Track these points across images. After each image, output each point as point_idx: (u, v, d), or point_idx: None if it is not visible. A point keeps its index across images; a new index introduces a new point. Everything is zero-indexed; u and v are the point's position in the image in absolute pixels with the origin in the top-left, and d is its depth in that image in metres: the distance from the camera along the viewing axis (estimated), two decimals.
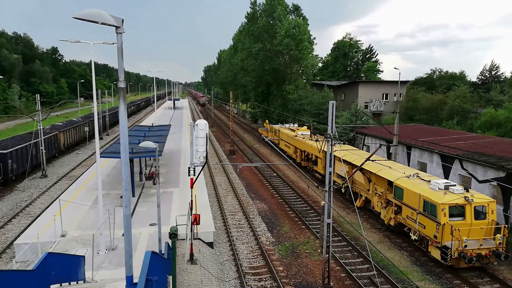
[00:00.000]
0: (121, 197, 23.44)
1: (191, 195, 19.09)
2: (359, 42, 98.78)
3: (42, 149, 37.41)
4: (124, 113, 7.97)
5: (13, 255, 19.41)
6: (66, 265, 13.02)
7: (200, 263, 17.75)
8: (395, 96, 59.02)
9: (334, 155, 17.54)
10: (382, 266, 19.38)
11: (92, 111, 76.15)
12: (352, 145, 39.68)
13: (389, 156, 33.44)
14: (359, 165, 18.84)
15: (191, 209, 18.59)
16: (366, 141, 41.29)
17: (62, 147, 47.30)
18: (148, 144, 15.85)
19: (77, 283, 13.39)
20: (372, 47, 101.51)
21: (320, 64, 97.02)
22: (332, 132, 15.66)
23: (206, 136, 17.96)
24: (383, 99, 60.86)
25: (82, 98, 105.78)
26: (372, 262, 17.43)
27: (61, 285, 12.49)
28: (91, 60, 19.78)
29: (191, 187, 18.38)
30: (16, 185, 34.30)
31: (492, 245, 18.12)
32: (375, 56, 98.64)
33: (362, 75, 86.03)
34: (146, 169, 33.49)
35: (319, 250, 20.86)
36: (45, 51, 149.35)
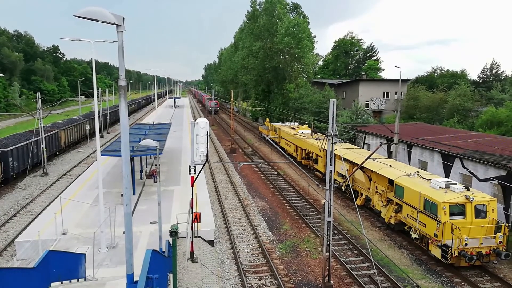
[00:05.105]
0: (122, 195, 23.47)
1: (192, 193, 19.12)
2: (360, 41, 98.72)
3: (43, 147, 37.44)
4: (125, 111, 7.98)
5: (14, 253, 19.46)
6: (67, 263, 13.05)
7: (200, 261, 17.78)
8: (396, 94, 58.95)
9: (335, 154, 17.55)
10: (382, 265, 19.40)
11: (92, 109, 76.23)
12: (353, 144, 39.68)
13: (389, 155, 33.43)
14: (359, 163, 18.84)
15: (192, 207, 18.62)
16: (367, 140, 41.27)
17: (63, 145, 47.35)
18: (148, 142, 15.86)
19: (78, 281, 13.40)
20: (374, 45, 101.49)
21: (320, 63, 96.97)
22: (332, 130, 15.66)
23: (207, 134, 17.97)
24: (384, 97, 60.77)
25: (82, 96, 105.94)
26: (373, 260, 17.45)
27: (62, 282, 12.51)
28: (92, 58, 19.80)
29: (192, 185, 18.39)
30: (17, 183, 34.36)
31: (493, 244, 18.13)
32: (376, 55, 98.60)
33: (363, 73, 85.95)
34: (146, 167, 33.53)
35: (319, 249, 20.89)
36: (46, 49, 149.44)
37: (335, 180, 18.54)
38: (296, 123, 50.34)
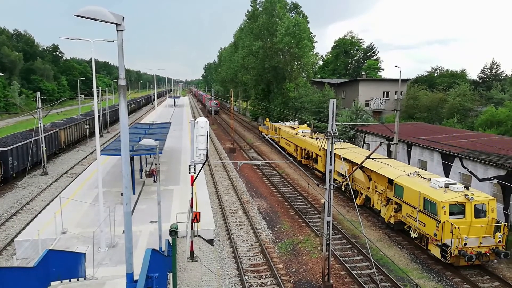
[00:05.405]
0: (122, 194, 23.47)
1: (192, 193, 19.12)
2: (360, 41, 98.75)
3: (42, 147, 37.43)
4: (125, 110, 7.98)
5: (14, 252, 19.48)
6: (66, 262, 13.04)
7: (200, 260, 17.79)
8: (395, 94, 58.96)
9: (335, 153, 17.55)
10: (382, 264, 19.41)
11: (92, 108, 76.20)
12: (352, 143, 39.69)
13: (389, 154, 33.45)
14: (359, 163, 18.85)
15: (192, 206, 18.62)
16: (367, 139, 41.29)
17: (63, 144, 47.33)
18: (148, 141, 15.85)
19: (77, 280, 13.40)
20: (373, 45, 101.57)
21: (320, 62, 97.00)
22: (332, 130, 15.66)
23: (207, 134, 17.97)
24: (383, 97, 60.81)
25: (82, 96, 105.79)
26: (372, 260, 17.47)
27: (61, 282, 12.51)
28: (91, 58, 19.79)
29: (192, 185, 18.39)
30: (17, 182, 34.35)
31: (492, 243, 18.14)
32: (376, 54, 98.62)
33: (363, 73, 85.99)
34: (146, 166, 33.53)
35: (319, 248, 20.89)
36: (45, 48, 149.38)
37: (334, 179, 18.55)
38: (296, 123, 50.36)
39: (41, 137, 37.28)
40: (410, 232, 21.25)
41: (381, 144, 21.43)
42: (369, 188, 26.06)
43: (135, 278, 8.69)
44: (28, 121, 73.32)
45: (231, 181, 35.19)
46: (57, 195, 26.07)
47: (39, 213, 24.28)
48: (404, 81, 61.86)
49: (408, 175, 22.22)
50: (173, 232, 14.22)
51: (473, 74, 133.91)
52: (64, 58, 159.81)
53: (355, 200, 27.17)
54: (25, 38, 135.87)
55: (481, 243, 18.01)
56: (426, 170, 27.14)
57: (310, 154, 37.95)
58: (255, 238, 22.78)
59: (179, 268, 16.59)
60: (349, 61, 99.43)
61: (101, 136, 59.82)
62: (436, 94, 54.92)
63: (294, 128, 45.61)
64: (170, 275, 14.34)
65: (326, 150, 16.39)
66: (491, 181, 24.05)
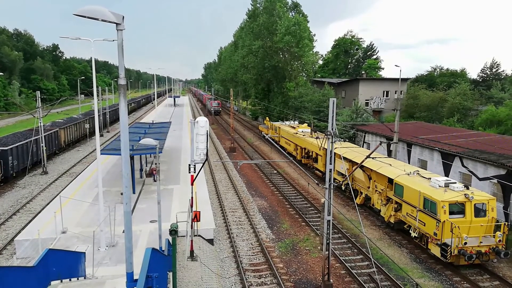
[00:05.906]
0: (122, 194, 23.47)
1: (192, 192, 19.13)
2: (360, 40, 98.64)
3: (42, 146, 37.43)
4: (125, 110, 7.97)
5: (14, 252, 19.49)
6: (66, 261, 13.04)
7: (200, 259, 17.80)
8: (395, 93, 58.94)
9: (335, 153, 17.55)
10: (382, 263, 19.42)
11: (92, 108, 76.21)
12: (352, 143, 39.69)
13: (389, 154, 33.45)
14: (359, 162, 18.85)
15: (192, 206, 18.63)
16: (367, 139, 41.28)
17: (63, 144, 47.34)
18: (148, 141, 15.85)
19: (77, 279, 13.41)
20: (373, 44, 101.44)
21: (320, 62, 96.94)
22: (332, 129, 15.65)
23: (207, 133, 17.97)
24: (383, 96, 60.78)
25: (82, 95, 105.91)
26: (372, 259, 17.46)
27: (61, 281, 12.51)
28: (91, 57, 19.79)
29: (192, 184, 18.40)
30: (17, 182, 34.36)
31: (492, 243, 18.15)
32: (376, 54, 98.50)
33: (363, 72, 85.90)
34: (146, 166, 33.53)
35: (319, 247, 20.90)
36: (45, 48, 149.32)
37: (334, 179, 18.57)
38: (296, 122, 50.34)
39: (41, 137, 37.28)
40: (410, 231, 21.26)
41: (381, 143, 21.44)
42: (369, 187, 26.07)
43: (135, 277, 8.68)
44: (28, 120, 73.31)
45: (231, 180, 35.20)
46: (57, 195, 26.09)
47: (39, 212, 24.30)
48: (404, 80, 61.81)
49: (408, 175, 22.22)
50: (173, 232, 14.23)
51: (473, 73, 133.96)
52: (64, 57, 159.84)
53: (355, 199, 27.18)
54: (25, 38, 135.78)
55: (481, 242, 18.02)
56: (426, 170, 27.14)
57: (310, 154, 37.95)
58: (255, 238, 22.79)
59: (179, 268, 16.60)
60: (349, 61, 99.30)
61: (101, 135, 59.82)
62: (436, 94, 54.87)
63: (294, 128, 45.59)
64: (170, 274, 14.35)
65: (326, 149, 16.39)
66: (491, 180, 24.06)
